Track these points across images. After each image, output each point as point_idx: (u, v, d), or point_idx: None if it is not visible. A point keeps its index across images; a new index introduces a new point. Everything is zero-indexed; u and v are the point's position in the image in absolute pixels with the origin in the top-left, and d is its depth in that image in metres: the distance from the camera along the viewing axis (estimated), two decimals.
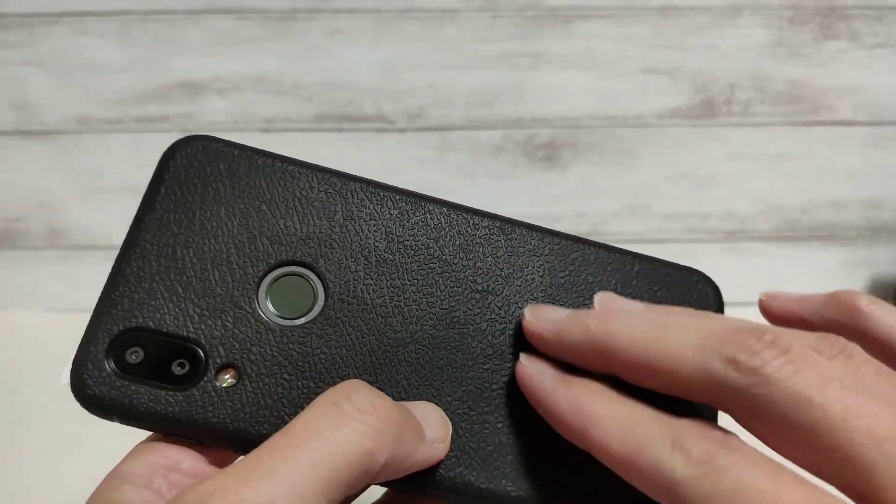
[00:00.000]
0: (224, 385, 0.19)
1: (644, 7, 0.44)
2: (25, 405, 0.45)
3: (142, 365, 0.18)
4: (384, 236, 0.21)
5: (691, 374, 0.17)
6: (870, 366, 0.16)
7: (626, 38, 0.45)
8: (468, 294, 0.21)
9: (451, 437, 0.19)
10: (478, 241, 0.22)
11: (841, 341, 0.17)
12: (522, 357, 0.20)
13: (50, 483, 0.40)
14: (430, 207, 0.22)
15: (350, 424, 0.16)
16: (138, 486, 0.17)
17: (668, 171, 0.49)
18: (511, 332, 0.21)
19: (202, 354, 0.19)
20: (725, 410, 0.17)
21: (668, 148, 0.49)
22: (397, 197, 0.22)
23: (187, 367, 0.19)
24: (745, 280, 0.47)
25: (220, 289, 0.19)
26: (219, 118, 0.47)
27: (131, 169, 0.48)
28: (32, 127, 0.47)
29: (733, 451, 0.15)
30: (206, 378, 0.18)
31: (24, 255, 0.51)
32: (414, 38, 0.45)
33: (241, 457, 0.16)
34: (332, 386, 0.18)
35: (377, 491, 0.20)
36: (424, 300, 0.20)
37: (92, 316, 0.19)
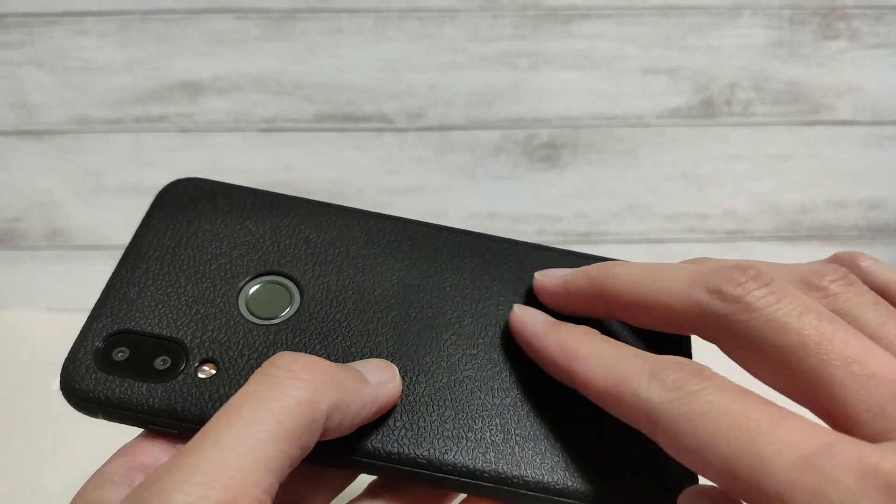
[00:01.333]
0: (203, 376, 0.20)
1: (644, 7, 0.44)
2: (25, 405, 0.45)
3: (126, 362, 0.20)
4: (350, 247, 0.23)
5: (681, 307, 0.18)
6: (868, 294, 0.18)
7: (626, 38, 0.45)
8: (428, 289, 0.23)
9: (411, 408, 0.20)
10: (437, 247, 0.24)
11: (841, 270, 0.19)
12: (516, 307, 0.22)
13: (49, 483, 0.40)
14: (389, 222, 0.24)
15: (281, 382, 0.17)
16: (119, 484, 0.18)
17: (668, 171, 0.49)
18: (476, 323, 0.22)
19: (183, 351, 0.20)
20: (712, 340, 0.18)
21: (668, 148, 0.49)
22: (361, 215, 0.24)
23: (169, 363, 0.20)
24: None
25: (201, 295, 0.21)
26: (219, 118, 0.47)
27: (131, 169, 0.48)
28: (32, 127, 0.47)
29: (704, 378, 0.16)
30: (186, 371, 0.20)
31: (24, 255, 0.51)
32: (414, 38, 0.45)
33: None
34: None
35: (362, 482, 0.21)
36: (391, 299, 0.22)
37: (87, 319, 0.21)
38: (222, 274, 0.22)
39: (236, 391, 0.19)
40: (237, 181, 0.51)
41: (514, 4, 0.44)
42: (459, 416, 0.20)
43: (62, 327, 0.51)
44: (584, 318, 0.21)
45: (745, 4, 0.45)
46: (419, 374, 0.21)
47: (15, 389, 0.46)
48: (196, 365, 0.20)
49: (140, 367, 0.20)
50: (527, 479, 0.20)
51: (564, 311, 0.22)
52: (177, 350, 0.20)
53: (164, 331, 0.20)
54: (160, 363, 0.20)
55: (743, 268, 0.18)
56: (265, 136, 0.47)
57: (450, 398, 0.21)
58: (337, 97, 0.46)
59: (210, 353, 0.20)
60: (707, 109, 0.48)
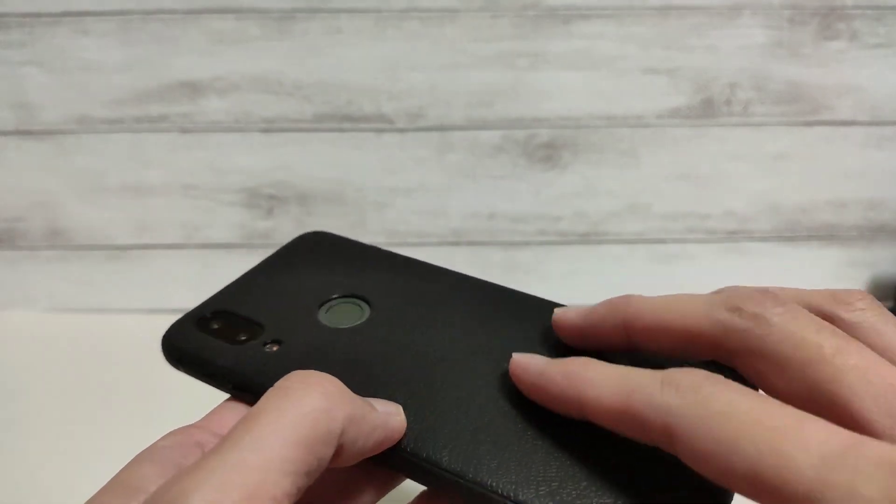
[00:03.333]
0: (267, 350, 0.24)
1: (644, 7, 0.44)
2: (25, 405, 0.45)
3: (217, 331, 0.25)
4: (427, 294, 0.27)
5: (701, 327, 0.19)
6: (887, 315, 0.19)
7: (626, 38, 0.45)
8: (466, 330, 0.25)
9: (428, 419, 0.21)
10: (482, 298, 0.27)
11: (861, 294, 0.19)
12: (514, 355, 0.22)
13: (49, 483, 0.40)
14: (443, 274, 0.28)
15: (295, 392, 0.17)
16: (158, 462, 0.18)
17: (668, 171, 0.49)
18: (497, 371, 0.23)
19: (260, 331, 0.25)
20: (730, 358, 0.19)
21: (668, 148, 0.49)
22: (446, 273, 0.28)
23: (246, 337, 0.24)
24: (745, 280, 0.47)
25: (292, 301, 0.26)
26: (219, 118, 0.47)
27: (131, 169, 0.48)
28: (32, 127, 0.47)
29: (718, 382, 0.16)
30: (256, 343, 0.24)
31: (24, 255, 0.51)
32: (414, 38, 0.45)
33: None
34: (351, 373, 0.21)
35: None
36: (439, 349, 0.25)
37: (203, 302, 0.26)
38: (314, 290, 0.27)
39: (287, 367, 0.20)
40: (237, 181, 0.51)
41: (514, 4, 0.44)
42: (481, 434, 0.21)
43: (62, 327, 0.52)
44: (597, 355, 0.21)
45: (745, 4, 0.45)
46: (449, 387, 0.22)
47: (15, 389, 0.46)
48: (266, 341, 0.24)
49: (225, 335, 0.24)
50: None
51: (581, 343, 0.22)
52: (256, 329, 0.25)
53: (254, 315, 0.25)
54: (241, 336, 0.24)
55: (762, 290, 0.18)
56: (265, 136, 0.47)
57: (469, 413, 0.22)
58: (337, 97, 0.46)
59: (278, 336, 0.24)
60: (707, 109, 0.48)
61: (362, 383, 0.22)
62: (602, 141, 0.48)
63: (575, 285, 0.53)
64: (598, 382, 0.18)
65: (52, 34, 0.44)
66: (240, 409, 0.22)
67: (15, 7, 0.43)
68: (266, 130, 0.47)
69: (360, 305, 0.26)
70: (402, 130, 0.47)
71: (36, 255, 0.51)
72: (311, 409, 0.17)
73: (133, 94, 0.46)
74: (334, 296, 0.27)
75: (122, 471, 0.18)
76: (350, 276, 0.28)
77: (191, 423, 0.21)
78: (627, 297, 0.21)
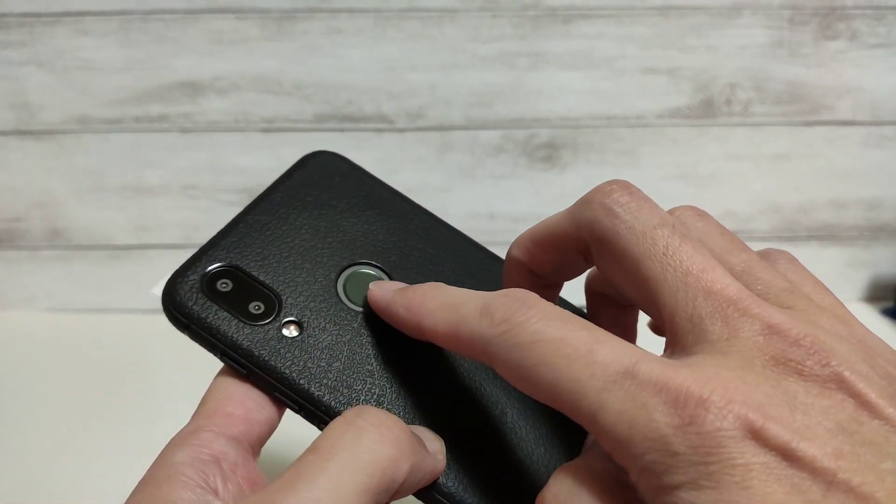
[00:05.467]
0: (286, 333, 0.22)
1: (644, 7, 0.44)
2: (25, 405, 0.45)
3: (227, 295, 0.22)
4: (452, 265, 0.26)
5: (563, 228, 0.20)
6: (717, 225, 0.20)
7: (626, 38, 0.45)
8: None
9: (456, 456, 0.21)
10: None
11: (694, 208, 0.20)
12: (371, 285, 0.23)
13: (49, 483, 0.40)
14: (495, 259, 0.27)
15: (369, 435, 0.17)
16: (189, 483, 0.18)
17: (668, 171, 0.49)
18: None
19: (278, 304, 0.22)
20: (588, 254, 0.20)
21: (668, 148, 0.49)
22: (473, 244, 0.27)
23: (262, 310, 0.22)
24: None
25: (309, 264, 0.23)
26: (219, 118, 0.47)
27: (131, 169, 0.48)
28: (32, 127, 0.47)
29: (529, 308, 0.17)
30: (273, 324, 0.22)
31: (24, 255, 0.51)
32: (414, 38, 0.45)
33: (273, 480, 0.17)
34: (370, 367, 0.22)
35: None
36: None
37: (205, 243, 0.23)
38: (332, 251, 0.24)
39: (309, 359, 0.21)
40: (237, 181, 0.51)
41: (514, 4, 0.44)
42: (497, 470, 0.21)
43: (62, 327, 0.52)
44: None
45: (745, 4, 0.45)
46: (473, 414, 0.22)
47: (15, 389, 0.46)
48: (284, 321, 0.22)
49: (237, 303, 0.22)
50: None
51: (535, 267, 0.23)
52: (272, 302, 0.22)
53: (269, 280, 0.22)
54: (254, 307, 0.22)
55: (614, 180, 0.19)
56: (265, 136, 0.47)
57: (490, 447, 0.22)
58: (337, 97, 0.46)
59: (299, 317, 0.22)
60: (707, 109, 0.48)
61: (397, 400, 0.22)
62: (602, 141, 0.48)
63: (575, 285, 0.53)
64: (433, 313, 0.19)
65: (52, 34, 0.44)
66: (237, 394, 0.21)
67: (15, 7, 0.43)
68: (266, 130, 0.47)
69: (378, 277, 0.24)
70: (402, 130, 0.47)
71: (36, 255, 0.51)
72: (383, 457, 0.17)
73: (133, 94, 0.46)
74: (353, 262, 0.24)
75: (144, 487, 0.18)
76: (368, 234, 0.25)
77: (190, 417, 0.20)
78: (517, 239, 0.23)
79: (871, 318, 0.53)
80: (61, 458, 0.42)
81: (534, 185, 0.49)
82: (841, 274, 0.53)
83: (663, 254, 0.17)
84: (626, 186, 0.19)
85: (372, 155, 0.48)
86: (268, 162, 0.48)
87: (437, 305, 0.20)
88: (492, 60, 0.46)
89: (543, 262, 0.22)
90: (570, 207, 0.20)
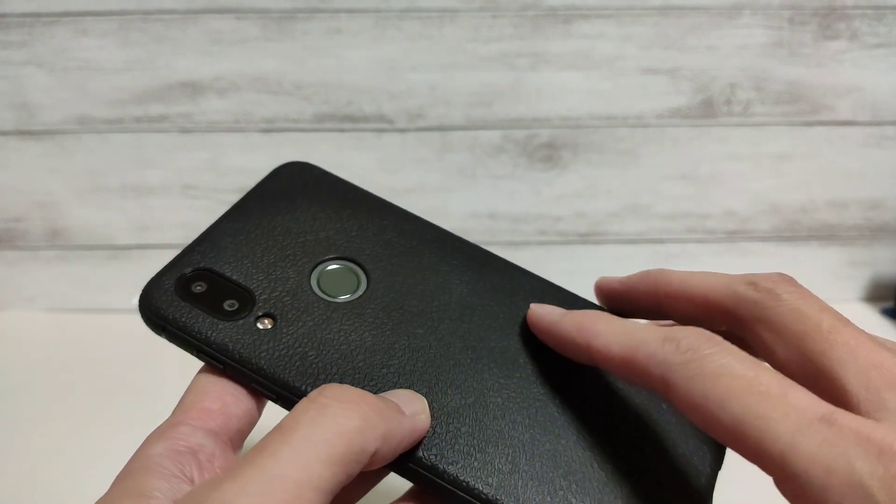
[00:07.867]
0: (260, 327, 0.22)
1: (644, 7, 0.44)
2: (25, 405, 0.45)
3: (201, 296, 0.22)
4: (425, 258, 0.26)
5: (718, 297, 0.21)
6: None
7: (626, 38, 0.45)
8: (483, 315, 0.25)
9: (433, 415, 0.21)
10: (504, 281, 0.26)
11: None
12: (533, 305, 0.24)
13: (49, 483, 0.40)
14: (467, 247, 0.27)
15: (332, 409, 0.17)
16: (165, 474, 0.18)
17: (668, 171, 0.49)
18: (517, 357, 0.24)
19: (251, 301, 0.23)
20: (740, 329, 0.20)
21: (668, 148, 0.49)
22: (445, 234, 0.27)
23: (236, 307, 0.22)
24: None
25: (282, 261, 0.24)
26: (219, 118, 0.47)
27: (131, 169, 0.48)
28: (32, 127, 0.47)
29: (717, 344, 0.18)
30: (247, 318, 0.22)
31: (24, 255, 0.51)
32: (414, 38, 0.45)
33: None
34: (344, 350, 0.22)
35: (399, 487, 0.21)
36: (446, 313, 0.24)
37: (181, 251, 0.24)
38: (305, 248, 0.25)
39: (284, 349, 0.21)
40: (237, 181, 0.51)
41: (514, 4, 0.44)
42: (475, 436, 0.21)
43: (62, 327, 0.52)
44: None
45: (745, 4, 0.45)
46: (449, 387, 0.22)
47: (15, 389, 0.46)
48: (258, 315, 0.22)
49: (211, 303, 0.22)
50: None
51: (617, 306, 0.25)
52: (246, 298, 0.23)
53: (241, 279, 0.23)
54: (228, 305, 0.22)
55: (778, 273, 0.20)
56: (265, 136, 0.47)
57: (471, 416, 0.21)
58: (337, 97, 0.46)
59: (272, 310, 0.22)
60: (707, 109, 0.48)
61: (368, 375, 0.22)
62: (602, 141, 0.48)
63: (575, 285, 0.53)
64: (606, 334, 0.20)
65: (52, 34, 0.44)
66: (214, 389, 0.21)
67: (15, 7, 0.43)
68: (266, 130, 0.47)
69: (355, 273, 0.25)
70: (402, 130, 0.47)
71: (36, 255, 0.51)
72: (348, 428, 0.17)
73: (133, 94, 0.46)
74: (326, 258, 0.25)
75: (121, 480, 0.18)
76: (340, 231, 0.26)
77: (169, 414, 0.20)
78: (661, 269, 0.23)
79: (871, 318, 0.53)
80: (61, 457, 0.41)
81: (534, 185, 0.49)
82: (841, 274, 0.53)
83: (828, 331, 0.18)
84: (790, 280, 0.20)
85: (372, 155, 0.48)
86: (268, 162, 0.48)
87: (608, 328, 0.20)
88: (492, 60, 0.46)
89: (675, 309, 0.23)
90: (728, 279, 0.21)
